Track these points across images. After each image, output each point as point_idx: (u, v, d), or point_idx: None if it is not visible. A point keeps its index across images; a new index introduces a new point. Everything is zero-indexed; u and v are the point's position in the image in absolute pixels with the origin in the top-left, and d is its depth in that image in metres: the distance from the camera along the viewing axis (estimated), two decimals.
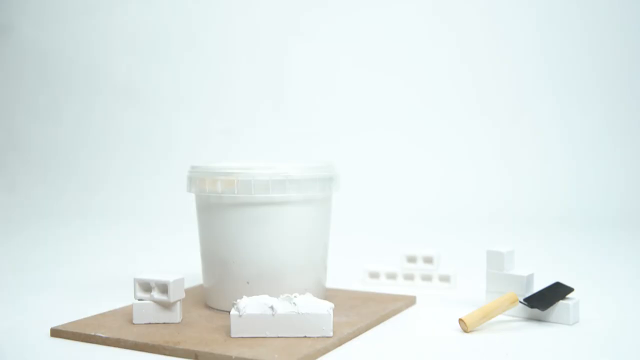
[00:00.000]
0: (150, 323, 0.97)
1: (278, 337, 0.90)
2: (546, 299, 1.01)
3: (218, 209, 1.05)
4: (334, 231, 1.17)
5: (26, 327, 1.01)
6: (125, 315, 1.02)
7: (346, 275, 1.36)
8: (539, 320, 1.02)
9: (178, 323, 0.98)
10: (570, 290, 1.04)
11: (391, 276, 1.31)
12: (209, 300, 1.09)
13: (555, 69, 2.64)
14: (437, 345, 0.91)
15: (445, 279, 1.28)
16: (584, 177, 2.48)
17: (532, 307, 1.00)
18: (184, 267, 1.40)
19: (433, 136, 2.67)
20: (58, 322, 0.99)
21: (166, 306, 0.98)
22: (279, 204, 1.03)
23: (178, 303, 0.98)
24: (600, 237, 1.97)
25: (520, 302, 1.02)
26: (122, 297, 1.17)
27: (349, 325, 0.96)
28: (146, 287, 0.98)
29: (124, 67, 2.98)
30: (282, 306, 0.91)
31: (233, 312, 0.91)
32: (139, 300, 0.98)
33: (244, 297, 0.93)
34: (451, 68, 2.71)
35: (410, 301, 1.13)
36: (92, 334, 0.93)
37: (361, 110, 2.73)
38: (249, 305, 0.91)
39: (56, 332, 0.95)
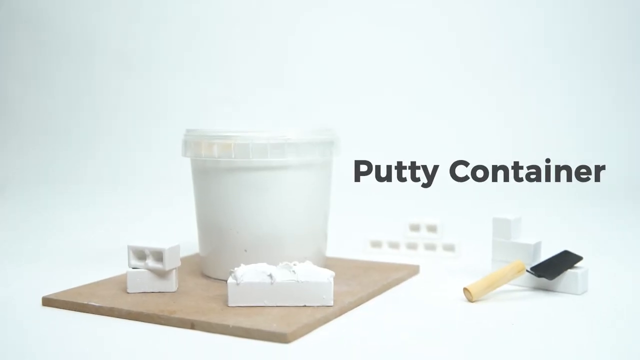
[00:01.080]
0: (145, 292, 0.94)
1: (277, 306, 0.87)
2: (554, 267, 0.98)
3: (215, 174, 1.01)
4: (334, 198, 1.14)
5: (17, 296, 0.98)
6: (119, 284, 0.99)
7: (347, 244, 1.33)
8: (546, 289, 0.99)
9: (174, 292, 0.95)
10: (579, 258, 1.01)
11: (394, 245, 1.29)
12: (206, 269, 1.06)
13: (555, 29, 2.60)
14: (441, 315, 0.88)
15: (449, 247, 1.26)
16: (591, 144, 2.45)
17: (539, 276, 0.97)
18: (179, 235, 1.37)
19: (435, 106, 2.63)
20: (50, 290, 0.96)
21: (161, 274, 0.95)
22: (277, 168, 0.99)
23: (174, 271, 0.95)
24: (610, 205, 1.94)
25: (527, 271, 0.99)
26: (116, 265, 1.14)
27: (350, 295, 0.93)
28: (141, 255, 0.95)
29: (120, 32, 2.92)
30: (281, 274, 0.88)
31: (230, 280, 0.88)
32: (134, 268, 0.95)
33: (242, 265, 0.91)
34: (453, 29, 2.66)
35: (413, 270, 1.11)
36: (85, 302, 0.90)
37: (365, 79, 2.69)
38: (247, 274, 0.88)
39: (48, 301, 0.92)
